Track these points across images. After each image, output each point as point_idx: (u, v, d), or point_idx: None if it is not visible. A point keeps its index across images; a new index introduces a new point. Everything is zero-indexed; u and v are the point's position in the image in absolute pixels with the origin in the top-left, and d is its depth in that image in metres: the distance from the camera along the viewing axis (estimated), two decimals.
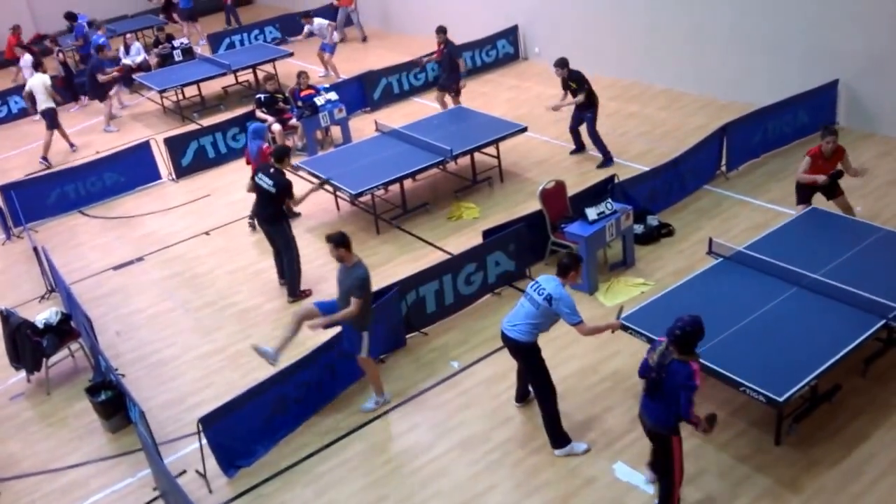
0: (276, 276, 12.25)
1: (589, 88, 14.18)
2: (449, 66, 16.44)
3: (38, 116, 19.27)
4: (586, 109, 14.30)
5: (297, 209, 13.06)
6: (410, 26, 24.38)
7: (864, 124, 14.30)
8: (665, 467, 7.12)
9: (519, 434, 8.75)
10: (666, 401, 6.84)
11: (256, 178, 11.45)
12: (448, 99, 16.84)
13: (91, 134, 19.73)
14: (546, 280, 8.13)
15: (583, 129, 14.64)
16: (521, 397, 9.08)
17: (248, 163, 13.28)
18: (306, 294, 11.86)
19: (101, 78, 19.66)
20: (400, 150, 14.04)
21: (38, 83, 18.05)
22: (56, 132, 18.23)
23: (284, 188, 11.21)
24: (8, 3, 27.72)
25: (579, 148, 15.03)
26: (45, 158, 18.08)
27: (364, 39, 24.76)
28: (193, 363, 10.73)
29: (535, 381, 8.36)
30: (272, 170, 11.35)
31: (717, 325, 8.40)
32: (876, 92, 13.95)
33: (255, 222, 13.07)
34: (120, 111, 21.11)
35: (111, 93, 20.32)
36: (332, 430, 9.18)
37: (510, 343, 8.25)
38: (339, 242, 8.85)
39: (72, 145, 18.76)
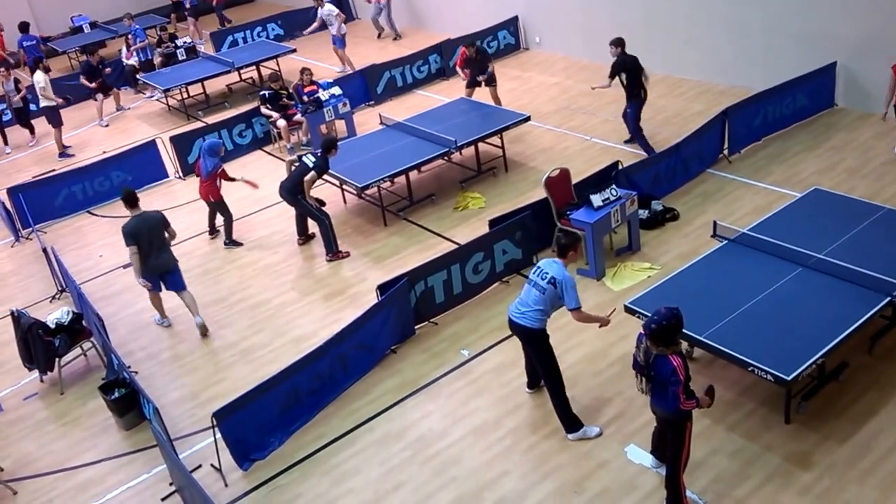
0: (286, 270, 12.50)
1: (630, 79, 13.82)
2: (480, 60, 16.01)
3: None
4: (629, 98, 14.02)
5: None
6: (409, 19, 24.42)
7: (863, 105, 14.32)
8: (674, 451, 7.14)
9: (530, 420, 8.83)
10: (665, 393, 6.83)
11: (304, 157, 12.48)
12: (485, 91, 16.27)
13: (95, 134, 19.84)
14: (548, 264, 8.19)
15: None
16: (533, 384, 9.15)
17: (197, 175, 13.39)
18: (343, 255, 12.51)
19: (85, 82, 20.13)
20: (405, 143, 14.10)
21: (41, 79, 18.20)
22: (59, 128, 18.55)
23: (322, 168, 12.30)
24: (10, 6, 27.78)
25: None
26: (64, 154, 18.37)
27: (396, 37, 23.85)
28: (205, 359, 10.81)
29: (543, 368, 8.40)
30: (319, 153, 12.41)
31: (724, 307, 8.50)
32: (874, 72, 13.95)
33: (213, 233, 13.92)
34: (120, 110, 21.29)
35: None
36: (347, 421, 9.27)
37: (518, 329, 8.30)
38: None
39: (30, 140, 19.30)
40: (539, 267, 8.26)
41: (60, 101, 18.50)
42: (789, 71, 14.24)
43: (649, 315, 8.18)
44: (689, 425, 7.03)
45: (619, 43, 13.72)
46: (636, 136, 14.10)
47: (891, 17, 13.37)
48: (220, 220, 13.59)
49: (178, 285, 11.26)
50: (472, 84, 16.17)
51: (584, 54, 19.16)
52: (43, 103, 18.27)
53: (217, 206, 13.34)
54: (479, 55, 16.02)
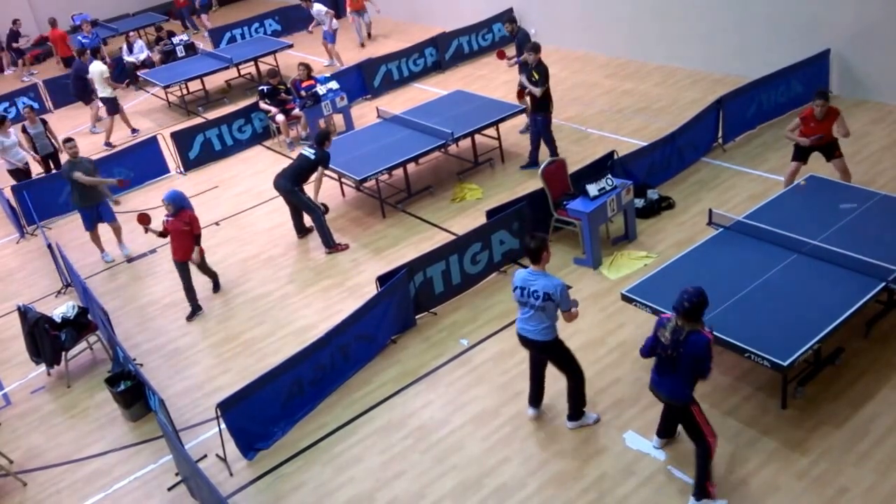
0: (286, 263, 12.59)
1: (547, 88, 13.13)
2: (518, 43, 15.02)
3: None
4: (539, 110, 13.35)
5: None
6: (404, 13, 24.46)
7: (857, 92, 14.42)
8: (695, 434, 7.20)
9: None
10: (683, 374, 6.91)
11: (303, 150, 12.64)
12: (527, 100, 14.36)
13: (88, 136, 19.93)
14: (529, 280, 7.81)
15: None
16: (536, 401, 8.77)
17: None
18: (342, 248, 12.55)
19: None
20: (402, 136, 14.18)
21: (96, 72, 18.33)
22: (118, 117, 18.90)
23: (323, 159, 12.43)
24: (11, 4, 27.80)
25: (533, 162, 13.85)
26: (108, 144, 18.53)
27: (368, 36, 23.83)
28: (209, 351, 10.92)
29: (567, 370, 8.31)
30: (315, 146, 12.51)
31: (721, 294, 8.55)
32: (867, 60, 14.05)
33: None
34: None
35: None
36: (349, 410, 9.38)
37: (532, 344, 8.14)
38: None
39: (134, 130, 19.37)
40: (522, 288, 7.85)
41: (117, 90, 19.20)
42: (783, 59, 14.33)
43: (649, 302, 8.57)
44: (695, 409, 7.13)
45: (537, 49, 13.04)
46: (536, 144, 13.77)
47: (884, 5, 13.43)
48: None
49: (109, 216, 13.43)
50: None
51: (580, 45, 19.24)
52: (101, 94, 18.53)
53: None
54: (518, 33, 15.13)
